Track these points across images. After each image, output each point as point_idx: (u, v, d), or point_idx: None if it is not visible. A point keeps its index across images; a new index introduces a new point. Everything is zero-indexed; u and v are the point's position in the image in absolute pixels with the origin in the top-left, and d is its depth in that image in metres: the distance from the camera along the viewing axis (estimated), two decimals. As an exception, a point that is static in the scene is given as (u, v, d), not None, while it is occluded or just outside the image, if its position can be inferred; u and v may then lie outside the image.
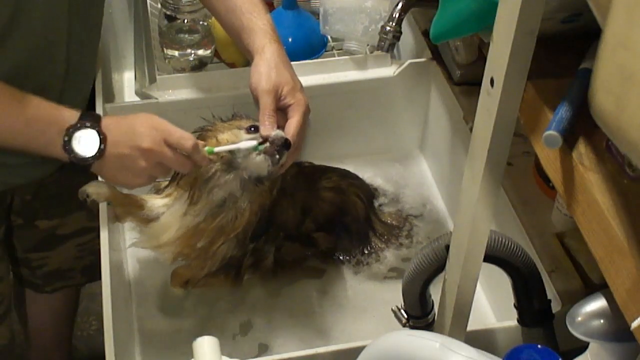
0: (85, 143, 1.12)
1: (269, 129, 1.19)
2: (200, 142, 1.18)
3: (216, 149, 1.19)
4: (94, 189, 1.23)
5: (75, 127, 1.12)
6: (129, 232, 1.39)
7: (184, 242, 1.26)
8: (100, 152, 1.13)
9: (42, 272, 1.57)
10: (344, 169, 1.53)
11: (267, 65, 1.24)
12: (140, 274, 1.42)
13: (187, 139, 1.15)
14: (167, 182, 1.29)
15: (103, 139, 1.13)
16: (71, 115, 1.14)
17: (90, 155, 1.13)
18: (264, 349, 1.33)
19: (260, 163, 1.19)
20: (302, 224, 1.40)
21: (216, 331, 1.34)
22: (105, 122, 1.14)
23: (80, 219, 1.50)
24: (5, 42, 1.13)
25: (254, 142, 1.18)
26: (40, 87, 1.17)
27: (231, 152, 1.20)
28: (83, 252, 1.57)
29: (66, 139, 1.12)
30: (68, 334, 1.87)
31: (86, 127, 1.13)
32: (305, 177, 1.42)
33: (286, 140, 1.18)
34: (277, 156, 1.18)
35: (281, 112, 1.23)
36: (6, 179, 1.30)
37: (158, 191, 1.29)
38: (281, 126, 1.21)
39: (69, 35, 1.22)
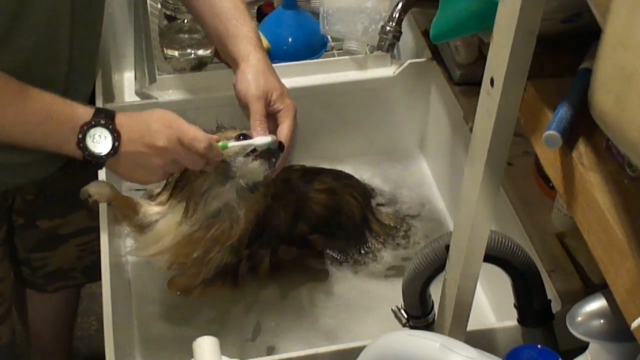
0: (100, 140, 1.13)
1: (261, 134, 1.20)
2: (214, 137, 1.18)
3: (230, 144, 1.19)
4: (95, 189, 1.23)
5: (89, 125, 1.12)
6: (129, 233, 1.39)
7: (179, 251, 1.27)
8: (115, 149, 1.13)
9: (43, 272, 1.57)
10: (337, 170, 1.54)
11: (255, 71, 1.25)
12: (141, 274, 1.42)
13: (200, 140, 1.15)
14: (160, 189, 1.29)
15: (117, 137, 1.13)
16: (85, 112, 1.14)
17: (105, 153, 1.13)
18: (271, 352, 1.32)
19: (256, 168, 1.20)
20: (295, 227, 1.40)
21: (217, 332, 1.34)
22: (119, 119, 1.14)
23: (82, 218, 1.50)
24: (8, 39, 1.13)
25: (268, 139, 1.19)
26: (44, 85, 1.17)
27: (225, 161, 1.20)
28: (84, 252, 1.57)
29: (80, 136, 1.12)
30: (68, 334, 1.87)
31: (100, 124, 1.13)
32: (295, 181, 1.42)
33: (280, 143, 1.20)
34: (273, 160, 1.19)
35: (270, 117, 1.24)
36: (8, 178, 1.30)
37: (151, 197, 1.29)
38: (271, 131, 1.23)
39: (71, 34, 1.23)
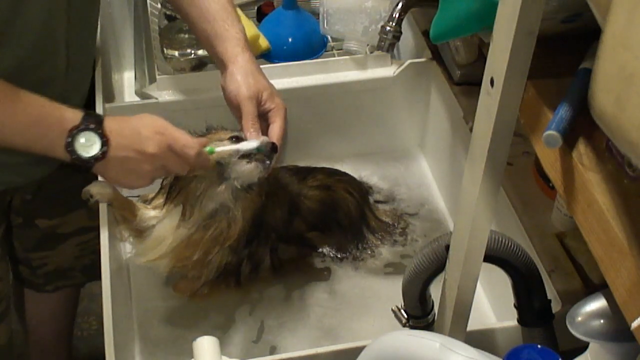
0: (88, 145, 1.13)
1: (254, 136, 1.21)
2: (202, 141, 1.18)
3: (217, 149, 1.19)
4: (97, 190, 1.23)
5: (78, 129, 1.12)
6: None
7: (179, 255, 1.27)
8: (103, 154, 1.13)
9: (42, 271, 1.57)
10: (332, 168, 1.53)
11: (244, 72, 1.25)
12: (141, 274, 1.42)
13: (190, 147, 1.15)
14: (154, 193, 1.30)
15: (106, 142, 1.13)
16: (74, 115, 1.13)
17: (93, 158, 1.13)
18: (273, 352, 1.32)
19: (251, 170, 1.21)
20: (291, 224, 1.40)
21: (217, 332, 1.34)
22: (108, 124, 1.14)
23: (81, 217, 1.51)
24: (5, 38, 1.13)
25: (255, 144, 1.19)
26: (42, 83, 1.17)
27: (220, 164, 1.21)
28: (83, 251, 1.57)
29: (69, 140, 1.12)
30: (68, 333, 1.87)
31: (89, 129, 1.12)
32: (289, 179, 1.42)
33: (273, 144, 1.21)
34: (268, 162, 1.20)
35: (260, 117, 1.25)
36: (7, 178, 1.30)
37: (145, 201, 1.30)
38: (262, 131, 1.23)
39: (68, 32, 1.23)
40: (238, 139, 1.23)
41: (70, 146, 1.12)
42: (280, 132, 1.24)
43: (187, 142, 1.15)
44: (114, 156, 1.14)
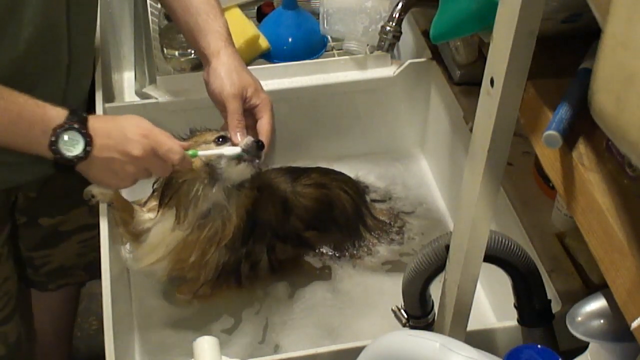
0: (72, 144, 1.12)
1: (240, 135, 1.21)
2: (184, 145, 1.19)
3: (200, 153, 1.20)
4: (99, 190, 1.23)
5: (62, 128, 1.12)
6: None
7: (176, 257, 1.27)
8: (86, 153, 1.13)
9: (44, 270, 1.57)
10: (326, 168, 1.54)
11: (227, 68, 1.25)
12: (141, 274, 1.42)
13: (174, 152, 1.15)
14: (147, 197, 1.30)
15: (89, 141, 1.13)
16: (58, 114, 1.13)
17: (76, 157, 1.13)
18: (276, 351, 1.32)
19: (242, 170, 1.22)
20: (287, 222, 1.40)
21: (212, 331, 1.34)
22: (93, 124, 1.14)
23: (83, 215, 1.51)
24: (6, 30, 1.13)
25: (238, 149, 1.20)
26: (44, 77, 1.17)
27: (209, 165, 1.21)
28: (85, 249, 1.57)
29: (53, 139, 1.12)
30: (69, 333, 1.87)
31: (74, 128, 1.12)
32: (282, 178, 1.43)
33: (259, 142, 1.21)
34: (256, 160, 1.21)
35: (247, 113, 1.25)
36: (13, 176, 1.30)
37: (140, 204, 1.30)
38: (250, 127, 1.23)
39: (69, 28, 1.23)
40: (224, 139, 1.23)
41: (54, 145, 1.12)
42: (268, 127, 1.24)
43: (171, 146, 1.15)
44: (97, 156, 1.14)
